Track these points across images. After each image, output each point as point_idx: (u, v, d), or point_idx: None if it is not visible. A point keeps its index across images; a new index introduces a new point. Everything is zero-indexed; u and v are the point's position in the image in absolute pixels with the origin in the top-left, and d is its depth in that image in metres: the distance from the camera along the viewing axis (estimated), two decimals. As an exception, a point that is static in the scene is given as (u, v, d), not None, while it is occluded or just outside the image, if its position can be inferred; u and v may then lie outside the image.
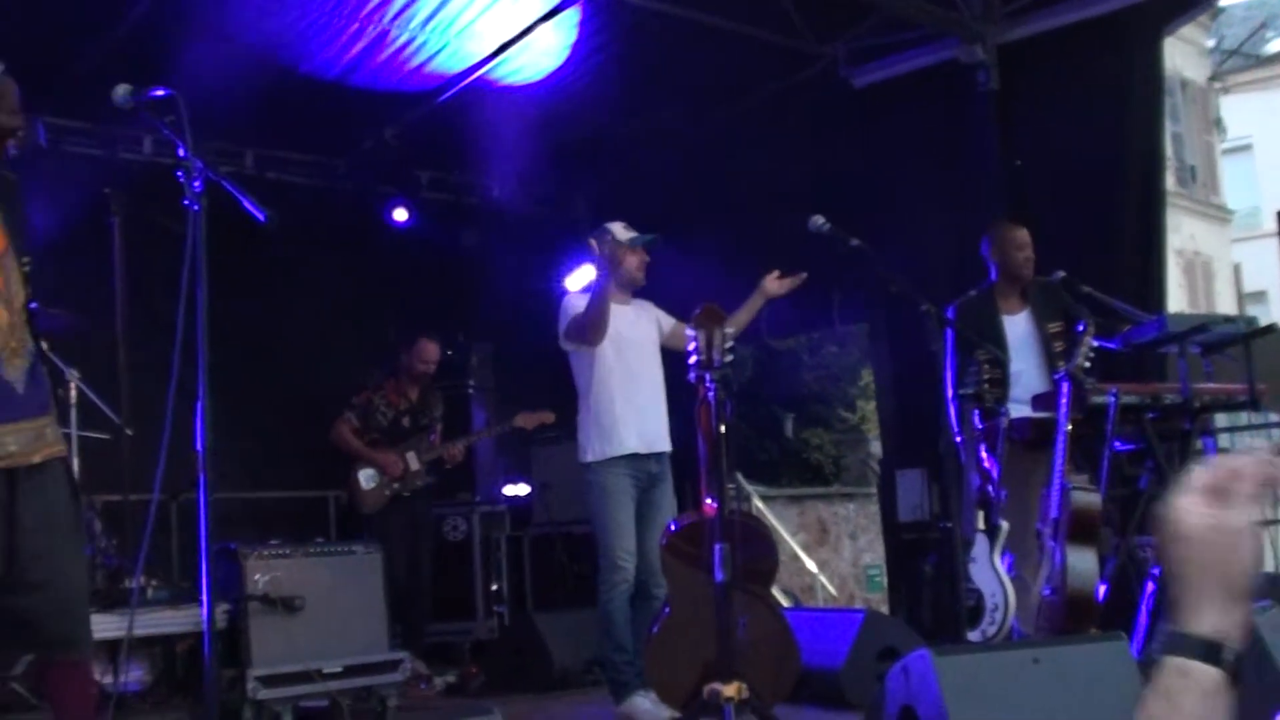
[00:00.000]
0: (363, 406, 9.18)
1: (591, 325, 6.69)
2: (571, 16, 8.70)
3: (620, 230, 7.00)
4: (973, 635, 6.42)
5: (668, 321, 7.08)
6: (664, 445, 6.88)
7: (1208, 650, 1.41)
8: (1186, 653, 1.41)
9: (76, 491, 4.42)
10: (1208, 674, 1.40)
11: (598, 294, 6.65)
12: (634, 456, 6.74)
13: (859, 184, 9.19)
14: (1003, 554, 6.62)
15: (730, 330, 5.50)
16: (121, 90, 4.20)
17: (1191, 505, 1.45)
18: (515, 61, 9.17)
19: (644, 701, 6.42)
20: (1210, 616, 1.42)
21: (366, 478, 9.03)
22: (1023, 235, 7.29)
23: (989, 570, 6.54)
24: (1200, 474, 1.48)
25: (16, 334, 4.26)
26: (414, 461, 9.12)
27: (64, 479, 4.39)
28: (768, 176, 9.80)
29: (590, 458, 6.77)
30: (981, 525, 6.66)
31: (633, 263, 6.94)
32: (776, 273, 6.94)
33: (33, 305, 4.35)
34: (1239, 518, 1.44)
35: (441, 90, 9.52)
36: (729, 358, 5.41)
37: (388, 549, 8.34)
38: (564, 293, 8.73)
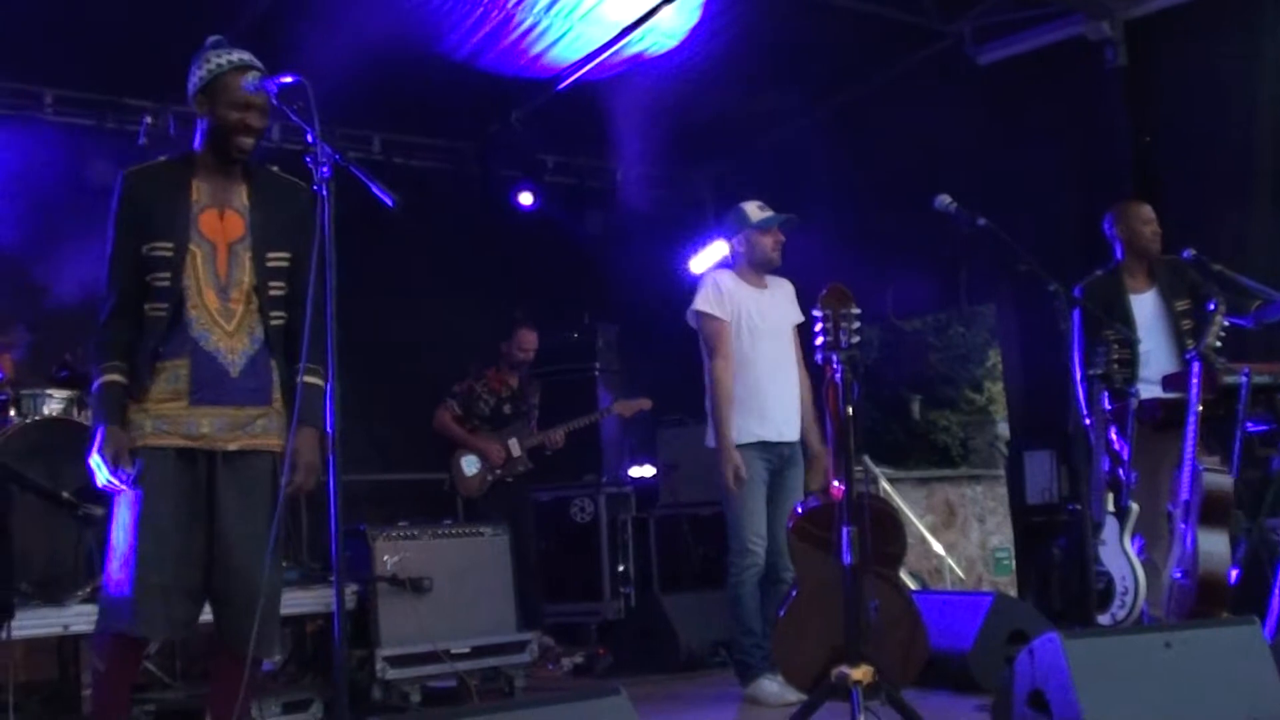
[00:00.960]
0: (464, 394, 9.30)
1: (714, 393, 6.77)
2: (694, -2, 8.69)
3: (755, 210, 6.92)
4: (1102, 619, 6.33)
5: (796, 314, 7.01)
6: (793, 434, 6.82)
7: None
8: None
9: (278, 494, 4.45)
10: None
11: (719, 426, 6.70)
12: (763, 443, 6.71)
13: (985, 163, 9.08)
14: (1133, 537, 6.52)
15: (856, 310, 5.44)
16: (250, 77, 4.29)
17: None
18: (637, 45, 9.17)
19: (771, 685, 6.44)
20: None
21: (469, 464, 9.16)
22: (1147, 211, 7.16)
23: (1119, 553, 6.45)
24: None
25: (237, 319, 4.41)
26: (516, 448, 9.23)
27: (267, 477, 4.47)
28: (892, 156, 9.72)
29: (714, 442, 6.76)
30: (1111, 508, 6.56)
31: (767, 243, 6.87)
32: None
33: (282, 315, 4.50)
34: None
35: (566, 74, 9.54)
36: (856, 339, 5.35)
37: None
38: (688, 273, 8.75)
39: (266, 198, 4.55)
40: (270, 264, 4.49)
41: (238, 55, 4.43)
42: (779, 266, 6.98)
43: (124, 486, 4.27)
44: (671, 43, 9.23)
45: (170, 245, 4.35)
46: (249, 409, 4.43)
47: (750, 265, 6.92)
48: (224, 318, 4.39)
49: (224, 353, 4.38)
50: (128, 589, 4.23)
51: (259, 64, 4.43)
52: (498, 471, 9.17)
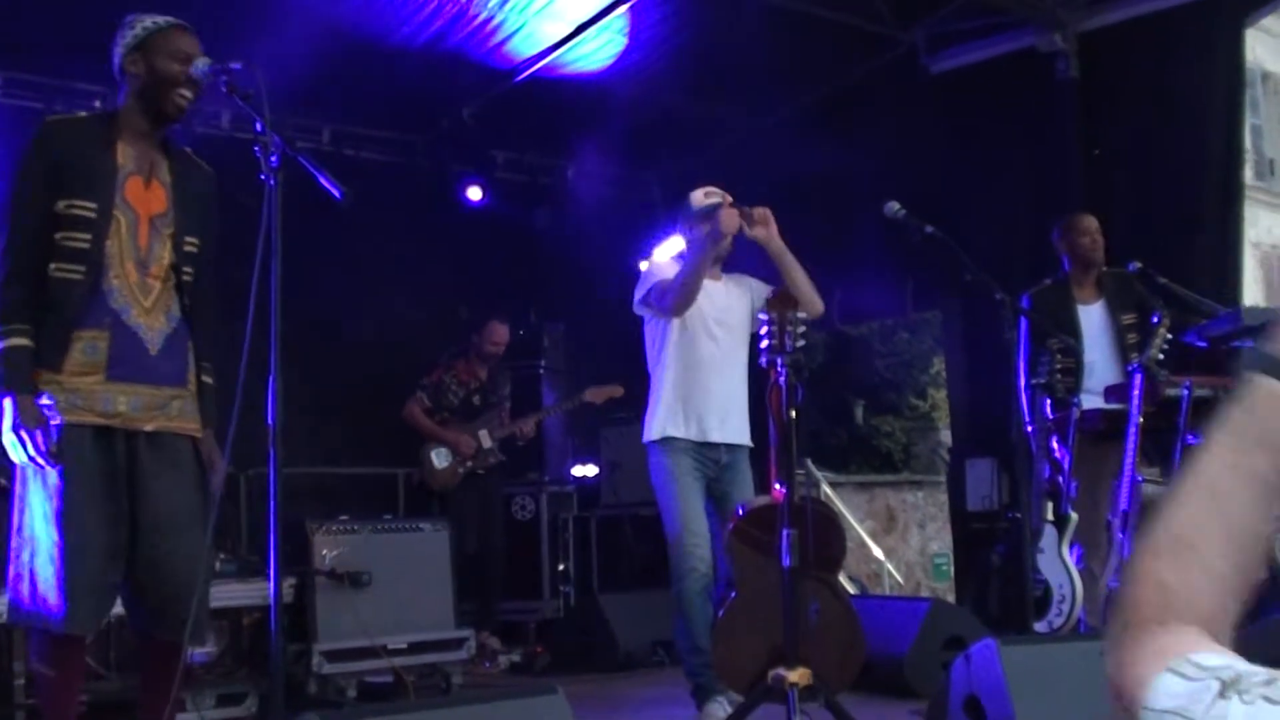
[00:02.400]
0: (434, 386, 9.27)
1: (682, 290, 6.08)
2: (649, -3, 8.69)
3: (699, 197, 6.45)
4: (1039, 626, 6.37)
5: (762, 290, 6.39)
6: (738, 437, 6.34)
7: None
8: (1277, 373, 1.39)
9: (203, 477, 4.40)
10: None
11: (696, 256, 6.09)
12: (697, 444, 6.26)
13: (936, 172, 9.12)
14: (1071, 545, 6.57)
15: (802, 315, 5.45)
16: (200, 63, 4.25)
17: None
18: (591, 43, 9.16)
19: (719, 710, 6.01)
20: None
21: (439, 456, 9.12)
22: (1088, 222, 7.24)
23: (1057, 561, 6.49)
24: None
25: (154, 295, 4.31)
26: (486, 439, 9.20)
27: (192, 459, 4.40)
28: (843, 163, 9.73)
29: (653, 436, 6.30)
30: (1050, 516, 6.61)
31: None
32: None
33: (188, 302, 4.42)
34: None
35: (518, 70, 9.52)
36: (801, 343, 5.36)
37: (460, 526, 8.40)
38: (637, 272, 8.63)
39: (185, 177, 4.48)
40: (185, 248, 4.41)
41: (168, 17, 4.39)
42: (730, 255, 6.48)
43: (47, 464, 4.10)
44: (619, 40, 9.21)
45: (93, 206, 4.20)
46: (166, 389, 4.34)
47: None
48: (142, 293, 4.28)
49: (144, 328, 4.27)
50: (60, 585, 4.08)
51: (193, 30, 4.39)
52: (469, 464, 9.16)
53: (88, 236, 4.19)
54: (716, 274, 6.50)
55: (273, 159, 3.88)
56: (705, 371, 6.32)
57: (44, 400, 4.14)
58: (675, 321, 6.32)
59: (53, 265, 4.19)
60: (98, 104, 8.85)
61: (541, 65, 9.37)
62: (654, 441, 6.30)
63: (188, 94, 4.35)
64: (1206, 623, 1.32)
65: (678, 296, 6.14)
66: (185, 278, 4.40)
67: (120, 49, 4.37)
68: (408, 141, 10.94)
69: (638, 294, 6.41)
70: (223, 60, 4.21)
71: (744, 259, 6.60)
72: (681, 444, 6.23)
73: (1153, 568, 1.36)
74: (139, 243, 4.28)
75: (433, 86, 9.63)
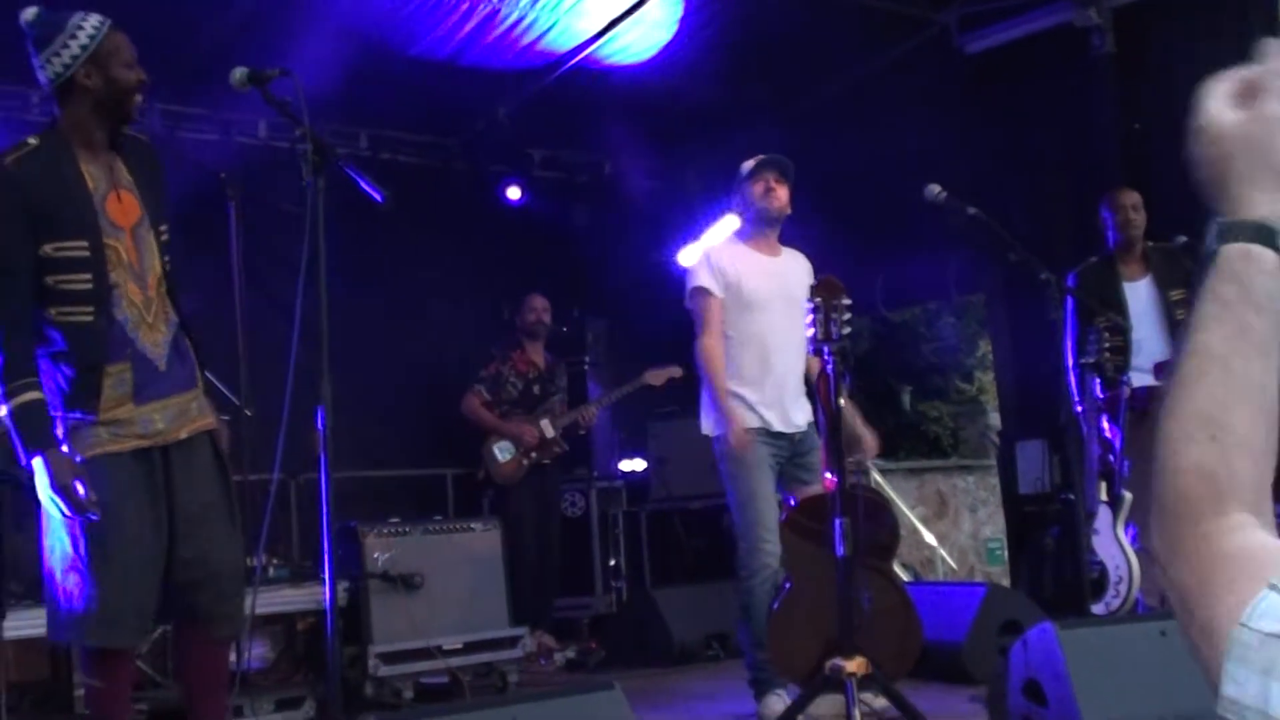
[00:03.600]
0: (491, 378, 9.21)
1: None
2: (680, -11, 8.68)
3: (748, 164, 6.30)
4: (1096, 608, 6.34)
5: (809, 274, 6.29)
6: (803, 419, 6.17)
7: (1262, 233, 1.39)
8: (1244, 237, 1.39)
9: (225, 465, 4.41)
10: (1266, 255, 1.38)
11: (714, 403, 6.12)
12: (766, 432, 6.11)
13: (974, 153, 9.09)
14: (1126, 525, 6.53)
15: (848, 301, 5.41)
16: (239, 73, 4.18)
17: (1222, 107, 1.49)
18: (625, 38, 9.16)
19: (777, 703, 5.90)
20: (1261, 205, 1.40)
21: (502, 450, 9.05)
22: (1129, 196, 7.19)
23: (1112, 542, 6.46)
24: (1224, 79, 1.52)
25: (154, 307, 4.27)
26: (549, 429, 9.14)
27: (210, 453, 4.39)
28: (881, 147, 9.71)
29: (717, 429, 6.15)
30: (1104, 496, 6.57)
31: (756, 190, 6.25)
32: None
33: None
34: (1275, 108, 1.45)
35: (552, 68, 9.52)
36: (847, 330, 5.34)
37: (520, 522, 8.41)
38: (677, 266, 8.60)
39: (139, 166, 4.34)
40: (163, 238, 4.33)
41: (99, 16, 4.23)
42: (782, 219, 6.31)
43: (90, 516, 4.04)
44: (658, 35, 9.21)
45: (84, 244, 4.10)
46: (183, 396, 4.33)
47: (753, 225, 6.34)
48: (145, 310, 4.23)
49: (150, 348, 4.24)
50: (97, 599, 4.08)
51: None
52: (533, 455, 9.10)
53: (87, 276, 4.10)
54: (776, 247, 6.41)
55: (314, 165, 3.90)
56: (771, 354, 6.19)
57: (64, 448, 4.09)
58: (733, 303, 6.20)
59: (53, 311, 4.12)
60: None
61: (575, 62, 9.37)
62: (721, 436, 6.13)
63: (140, 99, 4.28)
64: (1255, 503, 1.30)
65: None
66: (168, 268, 4.36)
67: (63, 62, 4.17)
68: (445, 144, 10.96)
69: (688, 286, 6.37)
70: (259, 68, 4.21)
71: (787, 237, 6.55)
72: (751, 434, 6.07)
73: (1190, 454, 1.32)
74: (132, 260, 4.22)
75: (467, 88, 9.65)
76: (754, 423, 6.09)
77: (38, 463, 4.04)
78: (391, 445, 10.13)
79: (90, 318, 4.12)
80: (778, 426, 6.12)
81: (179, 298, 4.39)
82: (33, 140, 4.22)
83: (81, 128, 4.23)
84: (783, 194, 6.25)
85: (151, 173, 4.39)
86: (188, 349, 4.40)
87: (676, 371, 9.18)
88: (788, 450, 6.15)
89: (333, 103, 8.45)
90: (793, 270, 6.31)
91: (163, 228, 4.34)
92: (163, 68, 4.68)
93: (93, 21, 4.20)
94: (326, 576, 3.80)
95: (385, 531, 7.30)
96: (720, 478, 6.21)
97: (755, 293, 6.18)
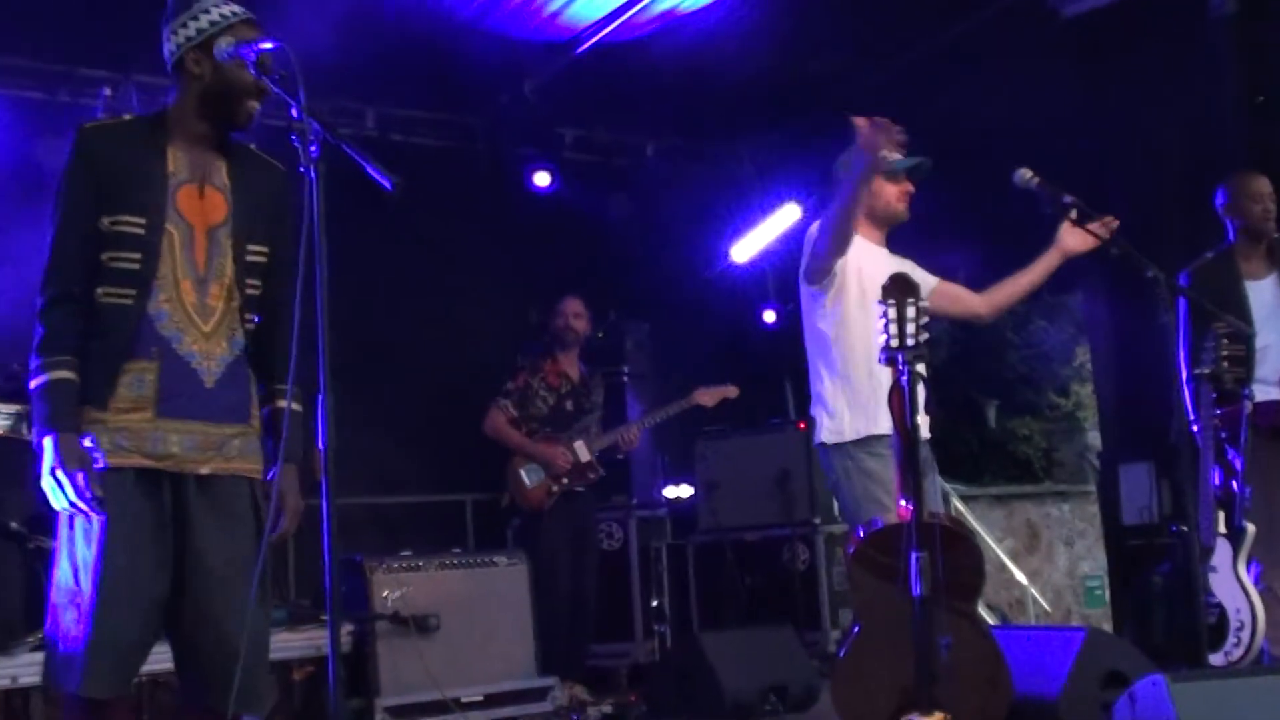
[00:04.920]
0: (519, 392, 9.12)
1: (835, 224, 5.91)
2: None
3: (891, 153, 6.27)
4: (1214, 658, 6.29)
5: (929, 279, 6.33)
6: (927, 431, 5.97)
7: None
8: None
9: (261, 528, 4.36)
10: None
11: (851, 187, 5.85)
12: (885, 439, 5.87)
13: (1071, 131, 9.05)
14: (1249, 563, 6.49)
15: (925, 303, 5.38)
16: (224, 43, 4.19)
17: None
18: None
19: None
20: None
21: (530, 473, 8.95)
22: (1260, 184, 7.12)
23: (1232, 581, 6.41)
24: None
25: (215, 319, 4.29)
26: (584, 451, 9.04)
27: (249, 505, 4.33)
28: (962, 125, 9.65)
29: (844, 437, 6.03)
30: (1223, 529, 6.52)
31: (892, 194, 6.29)
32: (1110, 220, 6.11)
33: (256, 319, 4.40)
34: None
35: (585, 36, 9.53)
36: (923, 336, 5.31)
37: (550, 556, 8.38)
38: (728, 262, 8.54)
39: (248, 178, 4.43)
40: (250, 257, 4.38)
41: (239, 7, 4.31)
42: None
43: (92, 511, 4.05)
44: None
45: (142, 221, 4.19)
46: (225, 427, 4.28)
47: (872, 218, 6.29)
48: (201, 316, 4.25)
49: (199, 357, 4.23)
50: (85, 643, 4.07)
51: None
52: (564, 481, 9.00)
53: (137, 256, 4.17)
54: (884, 242, 6.39)
55: (312, 148, 3.88)
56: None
57: (86, 442, 4.10)
58: (854, 297, 6.12)
59: (100, 290, 4.18)
60: (107, 92, 8.93)
61: (611, 30, 9.37)
62: (849, 442, 6.05)
63: (256, 105, 4.34)
64: None
65: (832, 238, 5.96)
66: (251, 292, 4.38)
67: (177, 41, 4.32)
68: (463, 123, 10.99)
69: (803, 264, 6.21)
70: (252, 39, 4.20)
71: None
72: (879, 442, 5.95)
73: None
74: (196, 258, 4.25)
75: (488, 60, 9.65)
76: (871, 432, 6.00)
77: (47, 443, 4.07)
78: (403, 468, 10.15)
79: (130, 301, 4.17)
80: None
81: (289, 331, 4.33)
82: (129, 117, 4.42)
83: (184, 118, 4.34)
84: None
85: (266, 193, 4.47)
86: (249, 381, 4.39)
87: (732, 391, 9.14)
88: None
89: (335, 75, 8.47)
90: (905, 268, 6.16)
91: (257, 247, 4.39)
92: (138, 34, 4.68)
93: (223, 8, 4.29)
94: (328, 618, 3.79)
95: (395, 566, 7.31)
96: (841, 491, 6.13)
97: (871, 284, 5.98)
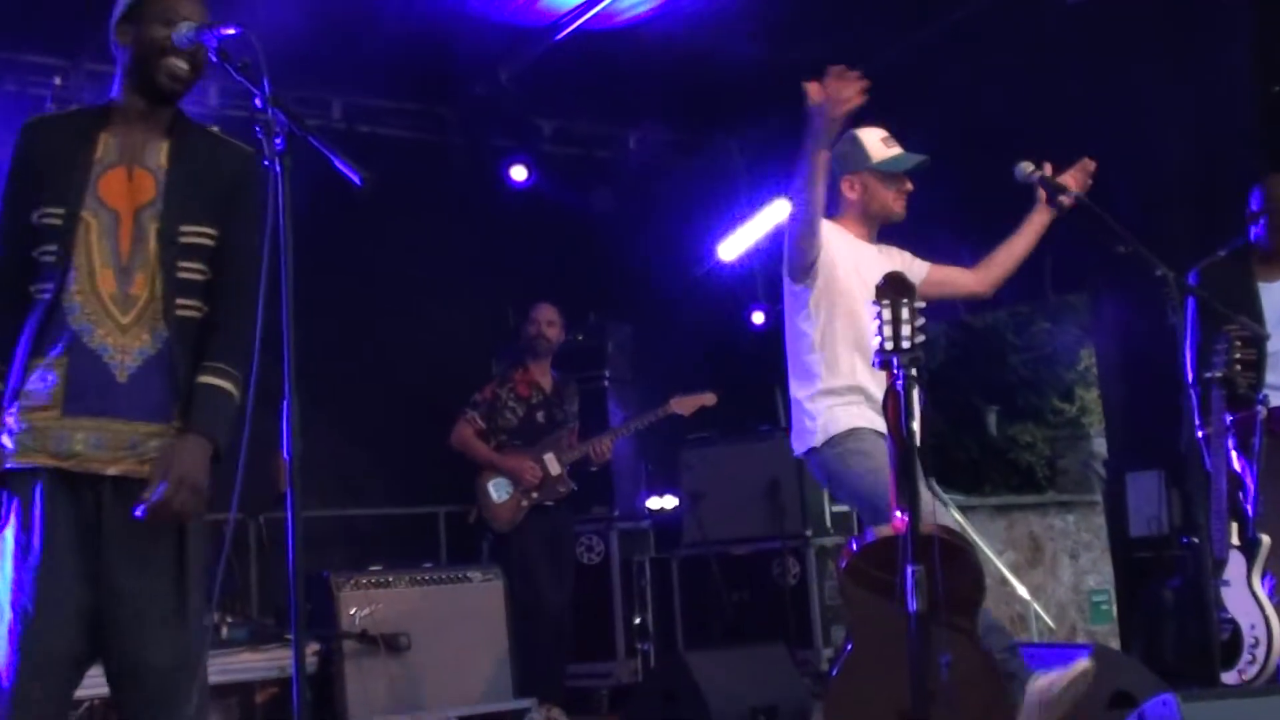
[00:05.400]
0: (488, 403, 9.13)
1: (800, 213, 5.89)
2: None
3: (877, 144, 6.30)
4: (1227, 677, 6.30)
5: (920, 266, 6.40)
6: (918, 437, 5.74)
7: None
8: None
9: (186, 538, 4.28)
10: None
11: (806, 161, 5.82)
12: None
13: (1076, 124, 9.05)
14: (1264, 576, 6.49)
15: (920, 303, 5.38)
16: (183, 28, 4.16)
17: None
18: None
19: None
20: None
21: (498, 488, 8.94)
22: None
23: (1246, 596, 6.42)
24: None
25: (137, 312, 4.18)
26: (554, 465, 9.04)
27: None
28: (962, 116, 9.68)
29: (830, 433, 6.03)
30: (1235, 540, 6.53)
31: (889, 196, 6.30)
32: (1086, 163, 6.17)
33: (200, 307, 4.28)
34: None
35: (566, 21, 9.52)
36: (919, 338, 5.31)
37: (524, 573, 8.36)
38: (716, 261, 8.52)
39: (192, 157, 4.34)
40: (185, 239, 4.26)
41: None
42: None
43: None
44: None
45: (60, 211, 4.15)
46: (140, 425, 4.16)
47: (863, 216, 6.33)
48: (120, 307, 4.15)
49: (112, 351, 4.13)
50: (13, 662, 3.99)
51: None
52: (534, 495, 8.99)
53: (54, 248, 4.14)
54: (874, 240, 6.39)
55: (277, 140, 3.87)
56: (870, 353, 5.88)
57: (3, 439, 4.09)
58: (841, 297, 6.12)
59: (32, 287, 4.17)
60: (56, 81, 8.91)
61: (592, 15, 9.36)
62: (836, 435, 6.03)
63: (180, 64, 4.24)
64: None
65: (797, 219, 5.94)
66: (186, 275, 4.26)
67: (113, 20, 4.33)
68: (435, 113, 10.99)
69: (785, 259, 6.20)
70: (209, 23, 4.18)
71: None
72: (869, 431, 5.97)
73: None
74: (119, 246, 4.18)
75: (462, 46, 9.65)
76: (872, 425, 5.99)
77: None
78: (372, 477, 10.15)
79: (50, 295, 4.13)
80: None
81: (238, 317, 4.27)
82: (77, 107, 4.48)
83: (124, 95, 4.35)
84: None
85: (211, 172, 4.36)
86: (175, 377, 4.21)
87: (709, 399, 9.14)
88: None
89: (300, 63, 8.46)
90: (888, 257, 6.34)
91: (198, 228, 4.27)
92: (89, 18, 4.67)
93: None
94: (292, 637, 3.78)
95: (364, 582, 7.30)
96: (838, 483, 6.14)
97: (861, 290, 6.02)
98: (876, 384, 5.95)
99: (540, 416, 9.18)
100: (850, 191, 6.31)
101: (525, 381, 9.22)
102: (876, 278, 5.69)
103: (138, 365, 4.16)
